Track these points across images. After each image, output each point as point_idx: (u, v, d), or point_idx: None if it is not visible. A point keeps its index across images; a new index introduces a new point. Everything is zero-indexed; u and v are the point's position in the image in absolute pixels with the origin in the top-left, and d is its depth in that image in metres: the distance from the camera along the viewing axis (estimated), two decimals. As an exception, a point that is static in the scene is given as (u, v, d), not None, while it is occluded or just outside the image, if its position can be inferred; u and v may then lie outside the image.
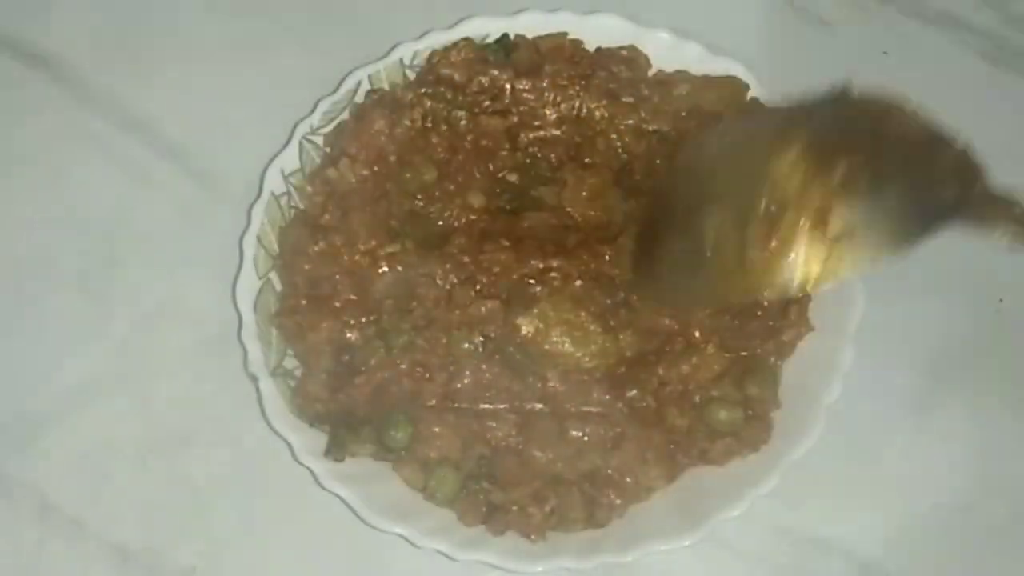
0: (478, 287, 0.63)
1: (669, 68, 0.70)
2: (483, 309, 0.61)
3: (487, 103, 0.67)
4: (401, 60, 0.70)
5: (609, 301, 0.62)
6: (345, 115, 0.68)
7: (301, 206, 0.66)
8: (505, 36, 0.70)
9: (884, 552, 0.63)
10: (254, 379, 0.62)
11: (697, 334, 0.62)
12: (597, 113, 0.67)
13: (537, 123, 0.68)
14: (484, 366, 0.61)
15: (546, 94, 0.67)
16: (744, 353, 0.63)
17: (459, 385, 0.61)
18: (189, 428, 0.66)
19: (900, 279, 0.69)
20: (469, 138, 0.67)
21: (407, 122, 0.66)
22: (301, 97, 0.69)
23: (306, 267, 0.64)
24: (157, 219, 0.72)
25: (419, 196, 0.65)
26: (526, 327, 0.61)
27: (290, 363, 0.63)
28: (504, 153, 0.67)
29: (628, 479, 0.60)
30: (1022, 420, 0.67)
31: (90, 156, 0.73)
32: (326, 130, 0.68)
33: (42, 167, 0.73)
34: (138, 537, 0.63)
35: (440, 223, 0.65)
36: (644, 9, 0.71)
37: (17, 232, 0.71)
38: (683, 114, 0.68)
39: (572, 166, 0.66)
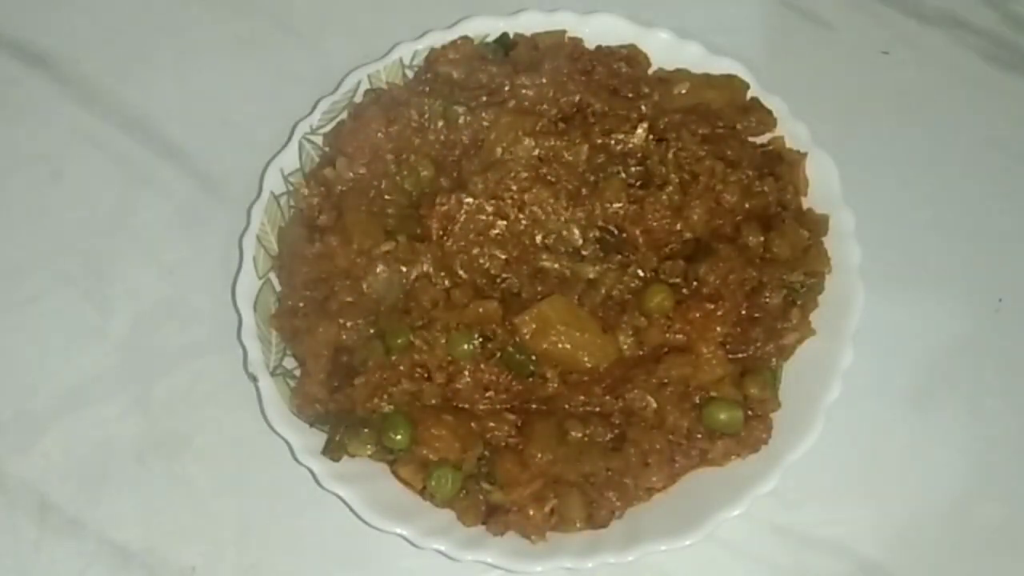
0: (477, 288, 0.63)
1: (669, 67, 0.70)
2: (482, 309, 0.61)
3: (485, 98, 0.67)
4: (401, 60, 0.70)
5: (602, 308, 0.63)
6: (344, 115, 0.68)
7: (300, 206, 0.66)
8: (504, 35, 0.70)
9: (884, 552, 0.63)
10: (254, 379, 0.62)
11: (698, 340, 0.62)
12: (596, 108, 0.67)
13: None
14: (484, 366, 0.61)
15: (545, 90, 0.67)
16: (744, 355, 0.63)
17: (459, 385, 0.61)
18: (189, 428, 0.66)
19: (900, 279, 0.70)
20: (467, 133, 0.66)
21: (404, 120, 0.66)
22: (301, 97, 0.69)
23: (304, 270, 0.63)
24: (157, 219, 0.72)
25: (415, 193, 0.65)
26: (525, 327, 0.61)
27: (290, 363, 0.63)
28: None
29: (628, 480, 0.60)
30: (1022, 420, 0.67)
31: (90, 156, 0.74)
32: (326, 130, 0.68)
33: (42, 167, 0.73)
34: (138, 537, 0.63)
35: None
36: (644, 9, 0.71)
37: (17, 232, 0.71)
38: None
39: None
